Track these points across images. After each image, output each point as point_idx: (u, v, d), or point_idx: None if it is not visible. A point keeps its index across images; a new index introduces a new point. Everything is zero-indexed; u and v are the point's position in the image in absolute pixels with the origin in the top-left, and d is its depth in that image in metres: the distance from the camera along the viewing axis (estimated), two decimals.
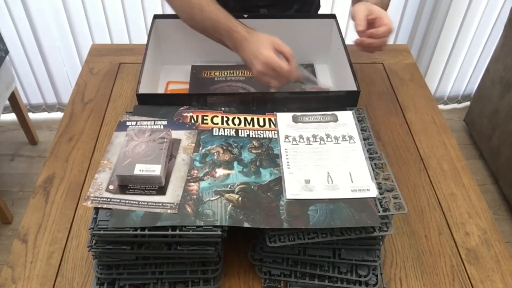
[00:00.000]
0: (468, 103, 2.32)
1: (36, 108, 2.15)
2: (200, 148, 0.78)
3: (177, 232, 0.64)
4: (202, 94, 0.91)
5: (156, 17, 1.06)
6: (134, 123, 0.81)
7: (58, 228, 0.81)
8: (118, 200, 0.68)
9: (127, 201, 0.68)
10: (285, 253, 0.71)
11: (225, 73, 1.08)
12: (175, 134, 0.79)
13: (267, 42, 0.84)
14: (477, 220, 0.85)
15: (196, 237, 0.65)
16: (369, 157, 0.77)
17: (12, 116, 1.99)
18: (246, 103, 0.88)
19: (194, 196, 0.69)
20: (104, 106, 1.06)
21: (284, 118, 0.84)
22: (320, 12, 1.32)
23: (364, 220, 0.67)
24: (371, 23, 0.88)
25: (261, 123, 0.84)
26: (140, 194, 0.69)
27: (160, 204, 0.67)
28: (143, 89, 0.90)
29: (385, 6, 0.99)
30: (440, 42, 2.07)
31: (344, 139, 0.80)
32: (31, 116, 2.08)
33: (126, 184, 0.70)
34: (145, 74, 0.94)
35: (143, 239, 0.65)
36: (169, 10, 1.02)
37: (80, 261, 0.76)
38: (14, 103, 1.85)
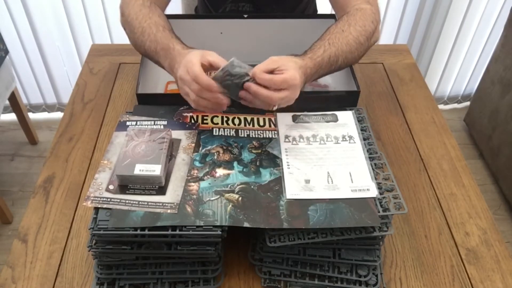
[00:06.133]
0: (468, 103, 2.32)
1: (36, 108, 2.15)
2: (200, 148, 0.78)
3: (177, 232, 0.64)
4: None
5: None
6: (134, 123, 0.81)
7: (58, 228, 0.81)
8: (118, 200, 0.68)
9: (127, 201, 0.68)
10: (285, 253, 0.71)
11: None
12: (175, 134, 0.79)
13: (197, 52, 0.77)
14: (477, 220, 0.85)
15: (196, 237, 0.65)
16: (369, 157, 0.77)
17: (12, 116, 1.99)
18: None
19: (194, 196, 0.69)
20: (104, 106, 1.06)
21: (284, 118, 0.84)
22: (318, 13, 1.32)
23: (364, 220, 0.67)
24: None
25: (261, 123, 0.84)
26: (140, 194, 0.69)
27: (160, 204, 0.67)
28: (143, 89, 0.90)
29: (334, 67, 0.85)
30: (440, 42, 2.07)
31: (344, 139, 0.80)
32: (31, 116, 2.08)
33: (126, 184, 0.70)
34: (145, 74, 0.94)
35: (143, 239, 0.65)
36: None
37: (80, 261, 0.76)
38: (14, 103, 1.85)
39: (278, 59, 0.75)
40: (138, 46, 0.88)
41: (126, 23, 0.90)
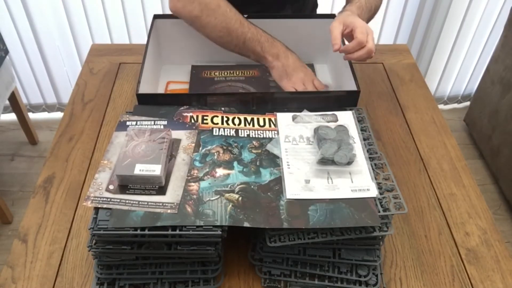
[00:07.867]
0: (468, 103, 2.32)
1: (36, 108, 2.15)
2: (200, 148, 0.78)
3: (177, 232, 0.64)
4: (202, 94, 0.91)
5: (156, 17, 1.06)
6: (134, 123, 0.81)
7: (58, 228, 0.81)
8: (118, 200, 0.68)
9: (127, 201, 0.68)
10: (285, 253, 0.71)
11: (225, 73, 1.08)
12: (175, 134, 0.79)
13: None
14: (477, 220, 0.85)
15: (196, 237, 0.65)
16: (369, 157, 0.77)
17: (12, 116, 1.99)
18: (246, 103, 0.88)
19: (194, 196, 0.69)
20: (104, 106, 1.06)
21: (284, 118, 0.84)
22: (318, 11, 1.32)
23: (364, 220, 0.67)
24: (349, 35, 0.89)
25: (261, 123, 0.84)
26: (140, 194, 0.69)
27: (160, 204, 0.67)
28: (143, 89, 0.90)
29: (371, 13, 1.01)
30: (440, 42, 2.07)
31: None
32: (31, 116, 2.08)
33: (126, 184, 0.70)
34: (145, 74, 0.94)
35: (143, 239, 0.65)
36: (169, 10, 1.02)
37: (80, 261, 0.76)
38: (14, 103, 1.85)
39: (337, 24, 0.87)
40: (232, 36, 0.96)
41: (210, 11, 0.95)
